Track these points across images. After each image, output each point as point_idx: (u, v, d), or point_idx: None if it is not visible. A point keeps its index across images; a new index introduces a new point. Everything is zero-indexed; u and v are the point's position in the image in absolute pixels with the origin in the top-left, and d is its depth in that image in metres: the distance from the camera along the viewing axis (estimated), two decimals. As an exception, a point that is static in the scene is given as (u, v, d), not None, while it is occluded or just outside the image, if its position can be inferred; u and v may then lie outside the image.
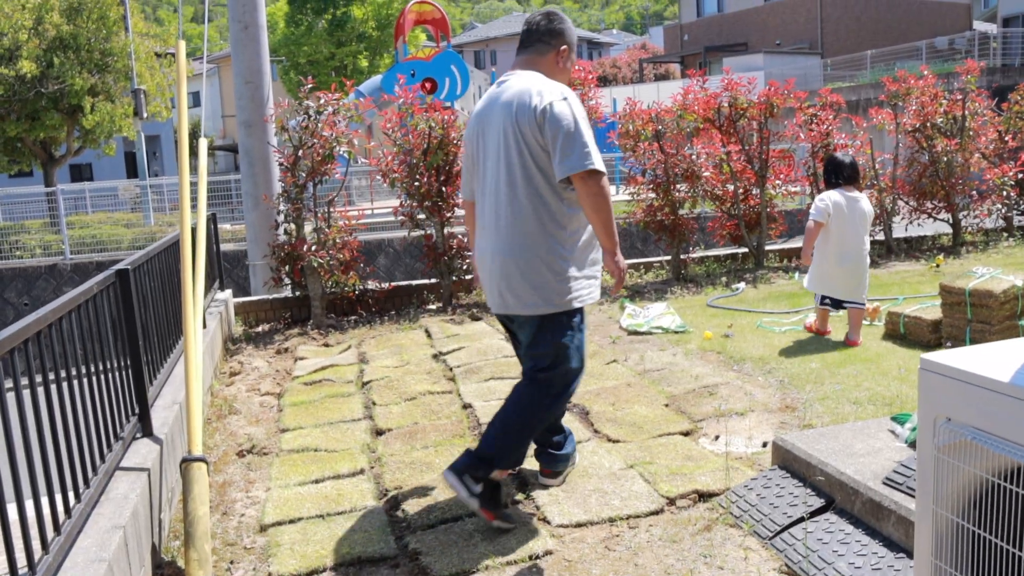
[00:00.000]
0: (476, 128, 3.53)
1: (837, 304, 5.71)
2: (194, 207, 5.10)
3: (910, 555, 2.75)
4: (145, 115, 22.79)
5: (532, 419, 3.43)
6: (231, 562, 3.35)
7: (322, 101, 7.54)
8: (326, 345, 6.90)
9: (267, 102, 8.79)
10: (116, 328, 3.70)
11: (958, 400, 1.82)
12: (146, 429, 3.85)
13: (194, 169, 5.39)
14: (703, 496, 3.55)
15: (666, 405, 4.65)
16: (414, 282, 8.54)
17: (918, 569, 1.99)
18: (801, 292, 7.49)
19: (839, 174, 5.73)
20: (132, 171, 34.42)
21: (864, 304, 5.67)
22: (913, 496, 2.77)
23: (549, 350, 3.37)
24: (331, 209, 7.85)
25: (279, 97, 8.61)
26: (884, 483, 3.08)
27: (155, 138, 39.65)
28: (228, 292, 7.87)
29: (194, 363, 4.07)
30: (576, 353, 3.41)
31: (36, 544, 2.48)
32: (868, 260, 5.69)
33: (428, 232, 8.11)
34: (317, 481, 4.00)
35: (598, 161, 3.18)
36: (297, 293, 7.92)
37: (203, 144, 5.36)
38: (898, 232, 10.00)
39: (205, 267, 5.52)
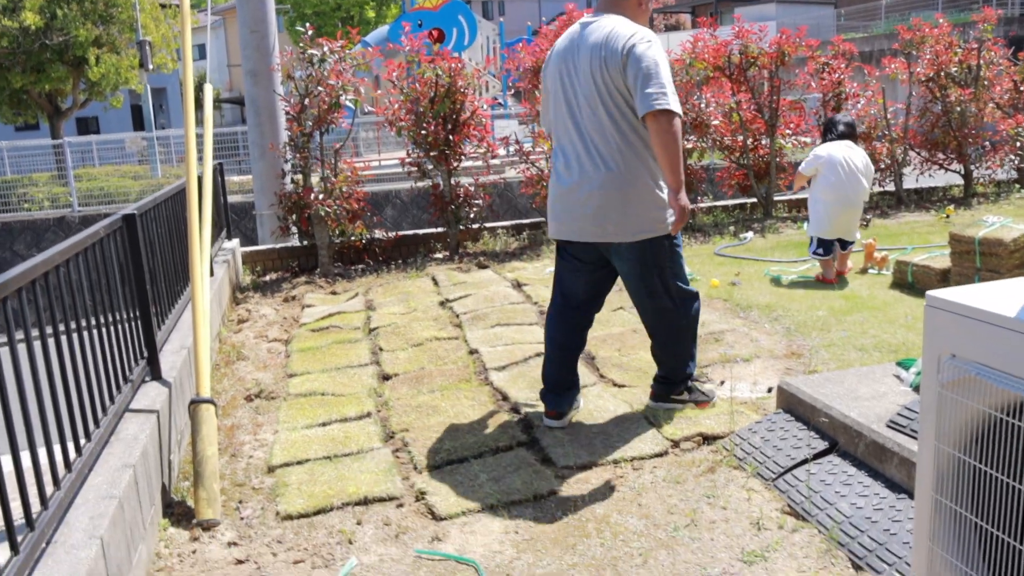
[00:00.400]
0: (558, 67, 3.67)
1: (829, 249, 5.96)
2: (200, 157, 5.09)
3: (911, 496, 2.77)
4: (151, 67, 22.64)
5: (685, 336, 3.84)
6: (240, 501, 3.40)
7: (326, 49, 7.46)
8: (333, 293, 6.92)
9: (273, 51, 8.72)
10: (124, 273, 3.71)
11: (963, 336, 1.81)
12: (155, 373, 3.88)
13: (200, 121, 5.37)
14: (707, 439, 3.58)
15: (672, 351, 4.65)
16: (421, 231, 8.53)
17: (919, 504, 2.00)
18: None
19: (832, 130, 6.18)
20: (139, 124, 34.30)
21: (853, 242, 6.07)
22: (916, 438, 2.78)
23: (654, 275, 3.62)
24: (338, 158, 7.81)
25: (285, 47, 8.53)
26: (888, 426, 3.09)
27: (161, 90, 39.41)
28: (235, 241, 7.88)
29: (201, 308, 4.09)
30: (681, 269, 3.71)
31: (48, 483, 2.52)
32: (862, 207, 6.11)
33: (435, 181, 8.08)
34: (324, 424, 4.04)
35: (673, 102, 3.34)
36: (304, 242, 7.93)
37: (208, 91, 5.33)
38: (909, 183, 9.92)
39: (212, 216, 5.52)
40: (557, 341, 3.79)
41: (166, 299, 4.61)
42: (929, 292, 1.91)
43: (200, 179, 4.91)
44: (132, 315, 3.76)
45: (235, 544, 3.09)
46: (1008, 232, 5.24)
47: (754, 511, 3.01)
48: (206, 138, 5.01)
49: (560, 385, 3.80)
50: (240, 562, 2.96)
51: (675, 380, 3.88)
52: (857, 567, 2.64)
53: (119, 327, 3.50)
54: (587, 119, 3.53)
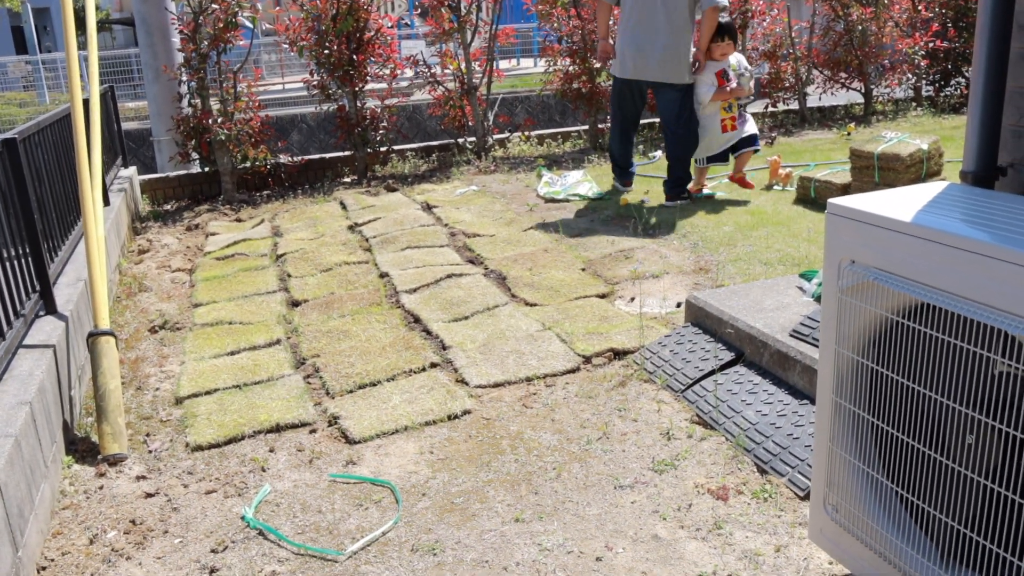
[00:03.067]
0: None
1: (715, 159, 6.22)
2: (85, 80, 4.80)
3: (813, 401, 2.87)
4: (31, -17, 21.21)
5: (688, 151, 6.01)
6: (147, 435, 3.31)
7: (219, -39, 7.08)
8: (238, 220, 6.71)
9: (162, -35, 8.24)
10: (7, 203, 3.50)
11: (862, 242, 1.85)
12: (49, 307, 3.71)
13: (83, 44, 5.05)
14: (618, 354, 3.63)
15: (583, 269, 4.68)
16: (328, 155, 8.31)
17: (820, 408, 2.06)
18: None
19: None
20: (21, 47, 32.24)
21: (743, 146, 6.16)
22: (817, 346, 2.87)
23: (684, 109, 5.91)
24: (237, 79, 7.50)
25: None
26: (791, 335, 3.18)
27: (44, 11, 37.03)
28: (133, 169, 7.54)
29: (94, 236, 3.91)
30: (693, 107, 5.99)
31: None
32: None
33: (341, 103, 7.85)
34: (232, 353, 3.95)
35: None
36: (206, 168, 7.64)
37: (90, 5, 5.00)
38: (812, 102, 10.09)
39: (106, 142, 5.25)
40: (625, 138, 6.38)
41: (58, 230, 4.39)
42: (831, 200, 1.94)
43: (87, 103, 4.64)
44: (21, 248, 3.57)
45: (144, 478, 3.02)
46: (905, 147, 5.39)
47: (664, 422, 3.08)
48: (91, 59, 4.71)
49: (628, 161, 6.50)
50: (150, 495, 2.90)
51: (681, 183, 6.02)
52: (762, 471, 2.74)
53: (6, 261, 3.32)
54: (660, 3, 5.74)
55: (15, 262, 3.44)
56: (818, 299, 3.46)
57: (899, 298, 1.78)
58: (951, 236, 1.65)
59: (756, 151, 6.12)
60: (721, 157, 6.09)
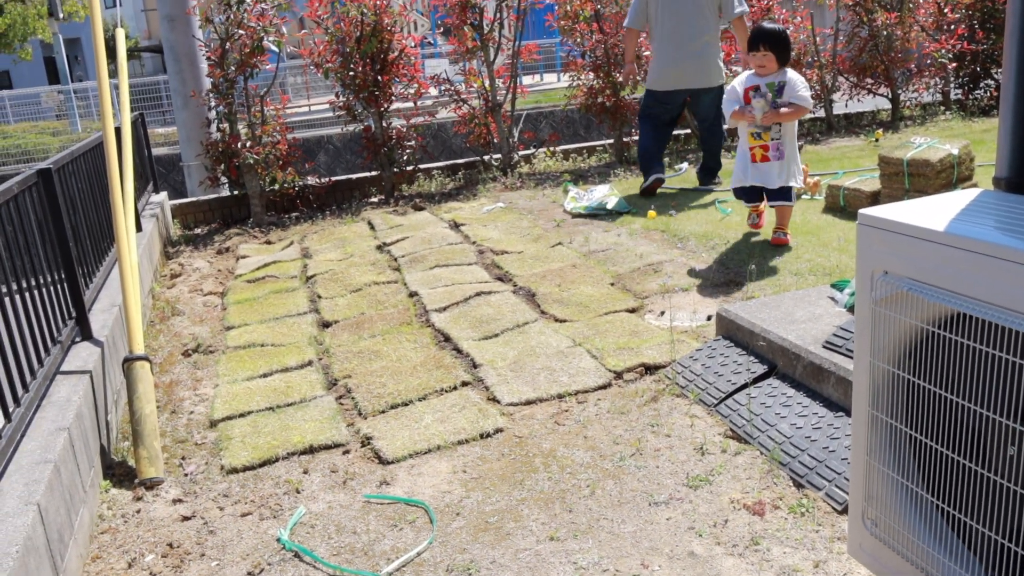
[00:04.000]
0: None
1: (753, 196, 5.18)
2: (117, 108, 4.88)
3: (848, 413, 2.84)
4: (61, 15, 21.65)
5: (720, 143, 6.91)
6: (183, 458, 3.34)
7: (244, -12, 7.18)
8: (268, 243, 6.78)
9: (189, -7, 8.37)
10: (44, 231, 3.56)
11: (895, 252, 1.83)
12: (85, 332, 3.77)
13: (114, 73, 5.13)
14: (649, 369, 3.61)
15: (612, 284, 4.67)
16: (355, 175, 8.38)
17: (856, 420, 2.04)
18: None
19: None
20: (53, 77, 32.88)
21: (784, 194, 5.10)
22: (851, 357, 2.84)
23: (716, 109, 6.57)
24: (264, 104, 7.59)
25: (201, -13, 8.19)
26: (824, 346, 3.15)
27: (75, 41, 37.80)
28: (164, 195, 7.65)
29: (128, 262, 3.96)
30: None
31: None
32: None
33: (366, 124, 7.92)
34: (265, 375, 3.98)
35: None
36: (235, 192, 7.73)
37: (120, 36, 5.09)
38: (839, 109, 10.03)
39: (137, 168, 5.33)
40: (660, 137, 6.87)
41: (92, 256, 4.46)
42: (861, 211, 1.92)
43: (118, 131, 4.72)
44: (57, 275, 3.63)
45: (180, 501, 3.04)
46: (935, 153, 5.33)
47: (697, 437, 3.05)
48: (121, 88, 4.80)
49: (660, 157, 6.92)
50: (186, 519, 2.92)
51: (712, 172, 6.90)
52: (799, 485, 2.71)
53: (43, 288, 3.38)
54: (689, 14, 6.41)
55: (51, 289, 3.50)
56: (851, 309, 3.43)
57: (934, 308, 1.75)
58: (986, 244, 1.63)
59: (789, 205, 5.00)
60: (752, 195, 5.09)
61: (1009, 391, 1.65)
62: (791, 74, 4.79)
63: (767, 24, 4.81)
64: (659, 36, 6.55)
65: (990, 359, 1.66)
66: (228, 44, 7.24)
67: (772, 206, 5.07)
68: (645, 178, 6.81)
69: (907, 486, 1.93)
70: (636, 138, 9.13)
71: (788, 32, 4.97)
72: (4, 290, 2.92)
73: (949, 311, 1.73)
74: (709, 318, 4.03)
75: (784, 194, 4.93)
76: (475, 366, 3.78)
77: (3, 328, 2.84)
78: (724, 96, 5.21)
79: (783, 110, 4.75)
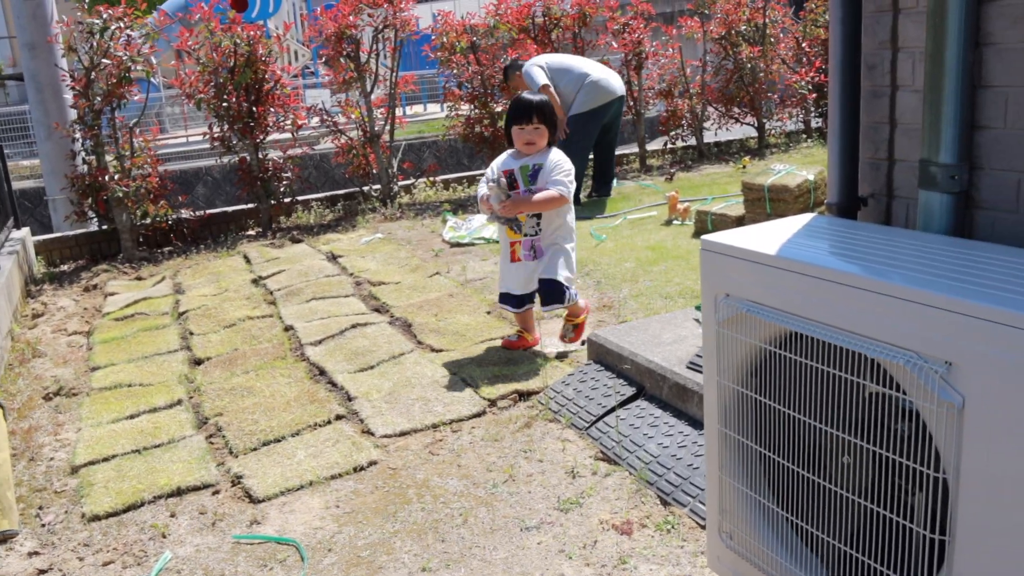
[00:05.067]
0: None
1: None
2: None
3: (711, 430, 2.94)
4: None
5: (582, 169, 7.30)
6: (40, 507, 3.18)
7: (107, 17, 6.97)
8: (138, 279, 6.55)
9: (51, 20, 8.07)
10: None
11: (734, 276, 1.92)
12: (-69, 378, 3.55)
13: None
14: (523, 395, 3.66)
15: (488, 312, 4.72)
16: (231, 208, 8.20)
17: (708, 438, 2.12)
18: (620, 198, 7.73)
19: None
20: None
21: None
22: (712, 376, 2.95)
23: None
24: (133, 135, 7.36)
25: (63, 16, 7.91)
26: (688, 367, 3.26)
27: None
28: (26, 230, 7.30)
29: (-20, 303, 3.76)
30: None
31: None
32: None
33: (242, 156, 7.77)
34: (132, 416, 3.84)
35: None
36: (104, 226, 7.45)
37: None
38: (709, 137, 10.44)
39: (-9, 203, 5.07)
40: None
41: (-59, 298, 4.22)
42: (703, 237, 2.01)
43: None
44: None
45: (36, 553, 2.89)
46: (793, 179, 5.61)
47: (569, 460, 3.11)
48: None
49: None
50: (43, 572, 2.78)
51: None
52: (665, 503, 2.79)
53: None
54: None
55: None
56: (713, 330, 3.56)
57: (772, 328, 1.85)
58: (814, 267, 1.74)
59: (562, 309, 4.03)
60: (516, 300, 4.02)
61: (840, 404, 1.75)
62: (555, 155, 3.91)
63: (531, 95, 3.92)
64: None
65: (822, 375, 1.76)
66: (94, 74, 7.00)
67: (547, 312, 4.20)
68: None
69: (757, 499, 2.02)
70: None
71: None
72: None
73: (784, 330, 1.83)
74: (582, 343, 4.11)
75: (553, 292, 3.90)
76: (350, 399, 3.75)
77: None
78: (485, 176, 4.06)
79: (535, 197, 3.80)
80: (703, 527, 2.61)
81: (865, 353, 1.63)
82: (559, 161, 3.90)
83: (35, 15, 8.03)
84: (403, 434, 3.40)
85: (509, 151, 4.01)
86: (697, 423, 3.08)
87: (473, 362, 4.01)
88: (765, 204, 5.63)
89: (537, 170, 3.88)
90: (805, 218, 2.11)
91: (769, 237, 1.95)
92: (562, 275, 3.92)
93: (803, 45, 10.35)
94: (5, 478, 3.15)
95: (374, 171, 8.33)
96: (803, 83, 10.05)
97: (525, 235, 3.95)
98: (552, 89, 7.01)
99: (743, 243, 1.91)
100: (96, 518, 3.04)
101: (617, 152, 10.51)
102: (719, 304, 1.97)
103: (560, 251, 3.96)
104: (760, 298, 1.86)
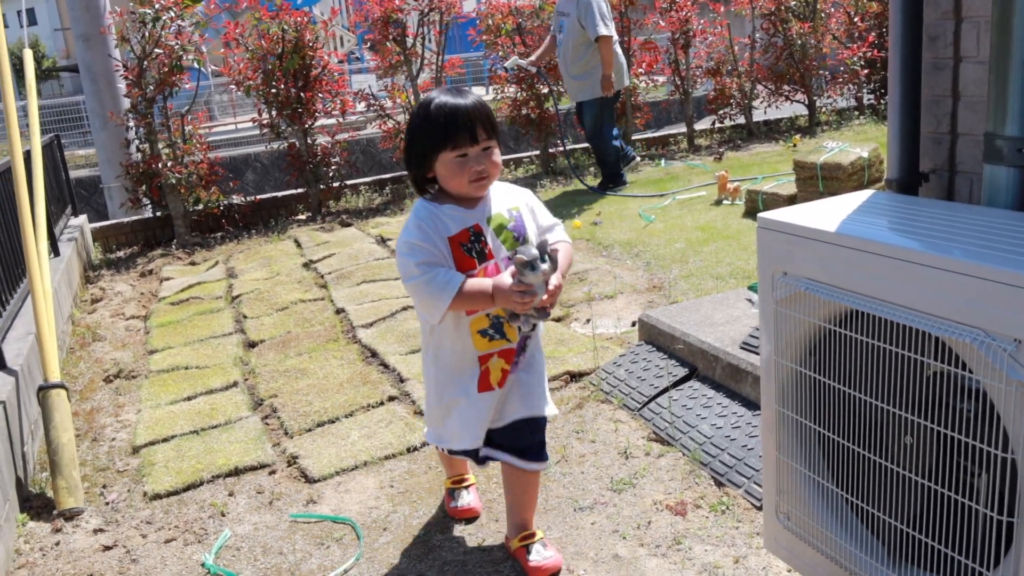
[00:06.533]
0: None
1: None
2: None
3: (765, 411, 2.91)
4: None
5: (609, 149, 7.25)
6: (104, 486, 3.27)
7: (159, 7, 7.07)
8: (192, 264, 6.67)
9: (104, 12, 8.21)
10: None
11: (792, 253, 1.90)
12: (-2, 361, 3.66)
13: (23, 92, 5.01)
14: (575, 376, 3.65)
15: (538, 295, 4.71)
16: (281, 193, 8.30)
17: (765, 418, 2.10)
18: (668, 178, 7.67)
19: None
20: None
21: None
22: (766, 356, 2.92)
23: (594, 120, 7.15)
24: (185, 123, 7.47)
25: (116, 7, 8.04)
26: (741, 347, 3.23)
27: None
28: (83, 218, 7.47)
29: (40, 288, 3.87)
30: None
31: None
32: None
33: (291, 141, 7.85)
34: (189, 398, 3.91)
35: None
36: (158, 213, 7.60)
37: (28, 56, 4.97)
38: (758, 116, 10.29)
39: (53, 192, 5.20)
40: None
41: (5, 284, 4.34)
42: (760, 215, 1.99)
43: (27, 154, 4.60)
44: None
45: (101, 530, 2.97)
46: (846, 156, 5.51)
47: (621, 441, 3.10)
48: (31, 109, 4.68)
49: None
50: (108, 548, 2.85)
51: (614, 175, 7.42)
52: (719, 484, 2.77)
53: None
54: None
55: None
56: (767, 310, 3.52)
57: (831, 307, 1.82)
58: (876, 244, 1.70)
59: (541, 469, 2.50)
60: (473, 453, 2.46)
61: (902, 383, 1.72)
62: (517, 188, 2.42)
63: (459, 96, 2.18)
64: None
65: (883, 353, 1.73)
66: (146, 63, 7.11)
67: (523, 468, 2.41)
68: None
69: (816, 480, 2.00)
70: (561, 149, 9.26)
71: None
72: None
73: (845, 309, 1.80)
74: (633, 324, 4.09)
75: (541, 441, 2.43)
76: (401, 380, 3.78)
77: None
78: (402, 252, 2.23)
79: (562, 260, 2.23)
80: (758, 508, 2.59)
81: (929, 331, 1.60)
82: (530, 193, 2.43)
83: (88, 7, 8.18)
84: (455, 415, 3.42)
85: (437, 204, 2.22)
86: (751, 404, 3.05)
87: (523, 344, 4.01)
88: (818, 182, 5.54)
89: (520, 220, 2.30)
90: (864, 194, 2.07)
91: (828, 214, 1.91)
92: (550, 408, 2.43)
93: (855, 20, 10.13)
94: (70, 458, 3.24)
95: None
96: (855, 59, 9.85)
97: (522, 332, 2.33)
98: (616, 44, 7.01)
99: (801, 220, 1.88)
100: (157, 497, 3.11)
101: (665, 132, 10.43)
102: (776, 282, 1.94)
103: (539, 353, 2.43)
104: (819, 276, 1.83)
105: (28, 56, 4.97)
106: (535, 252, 2.09)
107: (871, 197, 2.04)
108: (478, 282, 2.15)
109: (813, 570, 2.06)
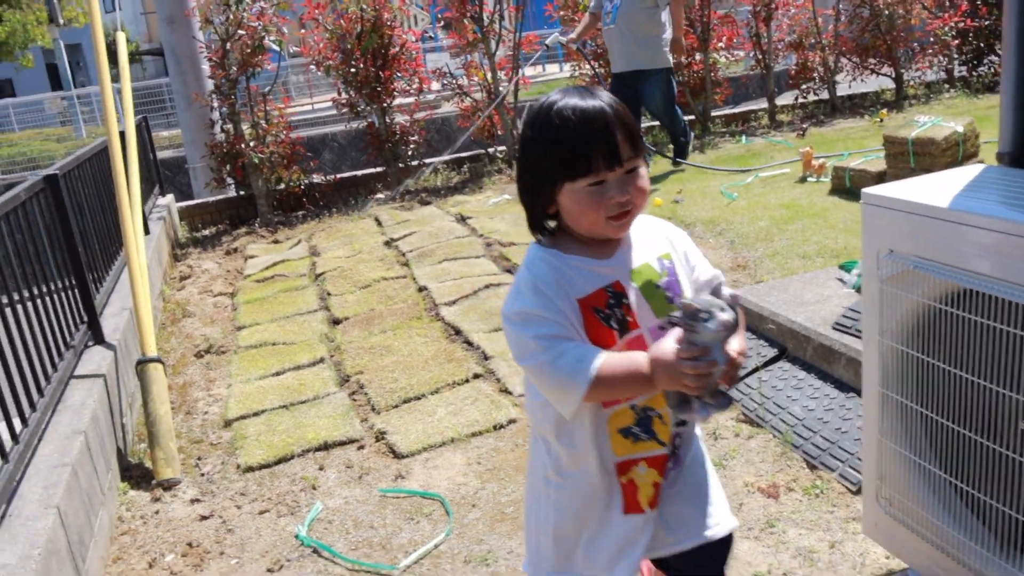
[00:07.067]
0: None
1: None
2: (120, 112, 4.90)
3: (859, 393, 2.84)
4: (61, 21, 21.70)
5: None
6: (198, 458, 3.37)
7: (243, -12, 7.19)
8: (275, 242, 6.80)
9: (188, -6, 8.39)
10: (52, 237, 3.59)
11: (900, 230, 1.83)
12: (97, 336, 3.79)
13: (116, 77, 5.15)
14: (660, 356, 3.61)
15: (620, 273, 4.67)
16: (360, 172, 8.40)
17: (867, 400, 2.04)
18: (750, 155, 7.51)
19: None
20: (56, 83, 32.99)
21: None
22: (861, 338, 2.84)
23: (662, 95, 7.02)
24: (267, 103, 7.61)
25: (199, -11, 8.20)
26: (834, 328, 3.15)
27: (76, 46, 37.85)
28: (170, 197, 7.68)
29: (137, 265, 3.99)
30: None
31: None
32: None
33: (369, 120, 7.93)
34: (277, 374, 4.00)
35: None
36: (241, 192, 7.76)
37: (121, 39, 5.10)
38: (842, 90, 9.99)
39: (142, 172, 5.35)
40: None
41: (102, 261, 4.49)
42: (865, 190, 1.92)
43: (123, 135, 4.74)
44: (67, 280, 3.66)
45: (198, 500, 3.07)
46: (940, 131, 5.31)
47: (710, 422, 3.06)
48: (124, 92, 4.81)
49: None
50: (204, 518, 2.94)
51: (683, 145, 7.31)
52: (812, 467, 2.71)
53: (54, 294, 3.40)
54: None
55: (63, 294, 3.53)
56: (859, 290, 3.42)
57: (941, 285, 1.76)
58: (991, 219, 1.63)
59: None
60: None
61: (1018, 365, 1.65)
62: (666, 229, 1.73)
63: (588, 98, 1.52)
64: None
65: (998, 334, 1.66)
66: (229, 45, 7.25)
67: None
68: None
69: (920, 464, 1.94)
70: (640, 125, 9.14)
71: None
72: (17, 298, 2.95)
73: (956, 287, 1.73)
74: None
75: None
76: (486, 358, 3.80)
77: (17, 334, 2.86)
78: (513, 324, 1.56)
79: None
80: (855, 492, 2.53)
81: (1050, 311, 1.53)
82: (681, 232, 1.75)
83: (173, -10, 8.36)
84: (540, 393, 3.42)
85: (560, 254, 1.59)
86: (844, 386, 2.98)
87: (606, 322, 3.99)
88: (909, 158, 5.35)
89: (674, 274, 1.64)
90: (974, 169, 1.98)
91: (936, 189, 1.84)
92: (732, 520, 1.73)
93: (947, -12, 9.73)
94: (167, 430, 3.35)
95: (499, 133, 8.36)
96: (946, 29, 9.47)
97: (678, 424, 1.66)
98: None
99: (910, 196, 1.81)
100: (250, 469, 3.19)
101: (745, 108, 10.21)
102: (882, 260, 1.88)
103: (701, 454, 1.76)
104: (929, 253, 1.77)
105: (121, 39, 5.11)
106: (710, 299, 1.44)
107: (982, 172, 1.96)
108: (626, 357, 1.50)
109: (916, 558, 2.01)
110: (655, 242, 1.67)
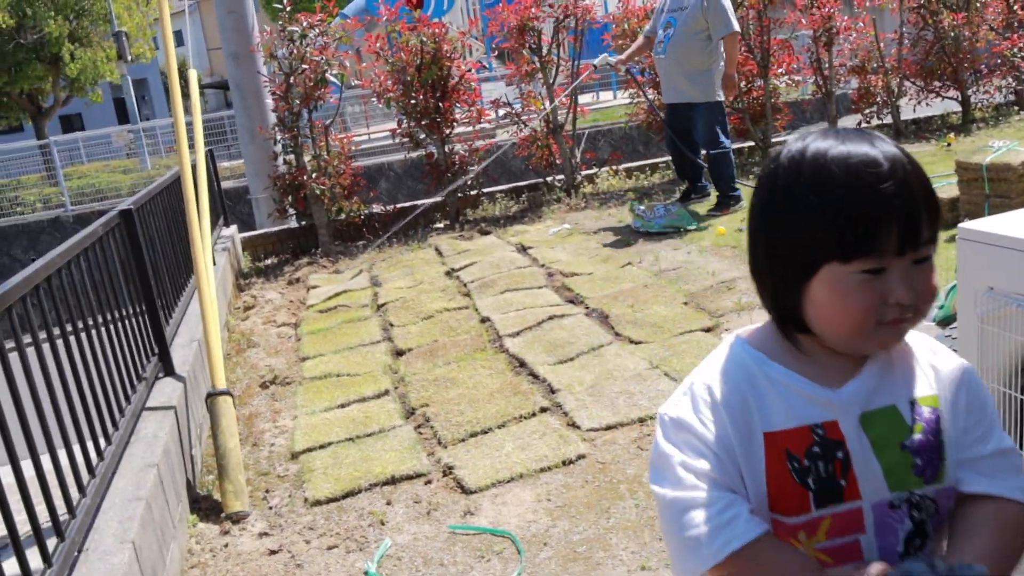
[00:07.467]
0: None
1: None
2: (191, 145, 5.01)
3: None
4: (129, 58, 22.37)
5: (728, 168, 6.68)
6: (266, 491, 3.37)
7: (305, 24, 7.32)
8: (337, 272, 6.86)
9: (252, 31, 8.56)
10: (126, 270, 3.65)
11: (1000, 267, 1.76)
12: (167, 368, 3.84)
13: (188, 109, 5.27)
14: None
15: (685, 303, 4.60)
16: (419, 202, 8.44)
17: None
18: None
19: None
20: (123, 117, 33.99)
21: None
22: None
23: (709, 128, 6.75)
24: (328, 135, 7.71)
25: (264, 26, 8.38)
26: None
27: (142, 81, 39.04)
28: (234, 227, 7.81)
29: (208, 297, 4.04)
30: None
31: (73, 490, 2.48)
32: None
33: (429, 150, 7.98)
34: (343, 405, 4.00)
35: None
36: (303, 223, 7.85)
37: (193, 77, 5.23)
38: (906, 114, 9.79)
39: (208, 202, 5.45)
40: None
41: (171, 292, 4.56)
42: (961, 225, 1.85)
43: (194, 167, 4.83)
44: (139, 312, 3.71)
45: (266, 534, 3.06)
46: (1016, 156, 5.15)
47: (786, 459, 2.97)
48: (196, 126, 4.91)
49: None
50: (273, 552, 2.93)
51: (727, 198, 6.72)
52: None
53: (127, 325, 3.45)
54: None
55: (135, 327, 3.58)
56: (940, 322, 3.31)
57: (1047, 324, 1.68)
58: (1103, 256, 1.55)
59: None
60: None
61: None
62: (941, 354, 1.16)
63: (864, 143, 1.05)
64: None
65: (1113, 377, 1.57)
66: (292, 78, 7.37)
67: None
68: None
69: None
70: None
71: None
72: (95, 331, 2.99)
73: (1064, 327, 1.65)
74: (789, 335, 3.93)
75: None
76: (552, 391, 3.75)
77: (94, 367, 2.90)
78: (664, 428, 1.16)
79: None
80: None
81: None
82: (964, 363, 1.17)
83: (238, 27, 8.54)
84: (609, 428, 3.36)
85: (778, 365, 1.13)
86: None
87: (674, 355, 3.92)
88: (983, 184, 5.20)
89: (932, 427, 1.10)
90: (1077, 201, 1.90)
91: (1039, 223, 1.77)
92: None
93: (1015, 7, 9.51)
94: (236, 462, 3.36)
95: (557, 162, 8.35)
96: (1015, 50, 9.24)
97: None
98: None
99: (1011, 231, 1.74)
100: (318, 503, 3.18)
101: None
102: (980, 298, 1.80)
103: None
104: (1034, 291, 1.69)
105: (193, 76, 5.24)
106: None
107: (1086, 204, 1.87)
108: (797, 561, 1.06)
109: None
110: (915, 375, 1.13)
